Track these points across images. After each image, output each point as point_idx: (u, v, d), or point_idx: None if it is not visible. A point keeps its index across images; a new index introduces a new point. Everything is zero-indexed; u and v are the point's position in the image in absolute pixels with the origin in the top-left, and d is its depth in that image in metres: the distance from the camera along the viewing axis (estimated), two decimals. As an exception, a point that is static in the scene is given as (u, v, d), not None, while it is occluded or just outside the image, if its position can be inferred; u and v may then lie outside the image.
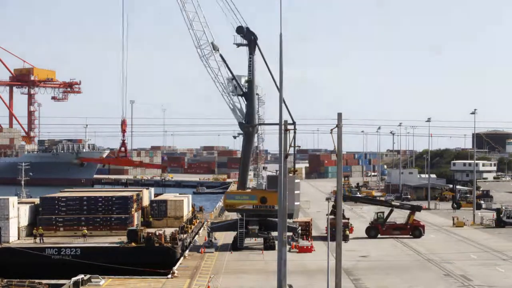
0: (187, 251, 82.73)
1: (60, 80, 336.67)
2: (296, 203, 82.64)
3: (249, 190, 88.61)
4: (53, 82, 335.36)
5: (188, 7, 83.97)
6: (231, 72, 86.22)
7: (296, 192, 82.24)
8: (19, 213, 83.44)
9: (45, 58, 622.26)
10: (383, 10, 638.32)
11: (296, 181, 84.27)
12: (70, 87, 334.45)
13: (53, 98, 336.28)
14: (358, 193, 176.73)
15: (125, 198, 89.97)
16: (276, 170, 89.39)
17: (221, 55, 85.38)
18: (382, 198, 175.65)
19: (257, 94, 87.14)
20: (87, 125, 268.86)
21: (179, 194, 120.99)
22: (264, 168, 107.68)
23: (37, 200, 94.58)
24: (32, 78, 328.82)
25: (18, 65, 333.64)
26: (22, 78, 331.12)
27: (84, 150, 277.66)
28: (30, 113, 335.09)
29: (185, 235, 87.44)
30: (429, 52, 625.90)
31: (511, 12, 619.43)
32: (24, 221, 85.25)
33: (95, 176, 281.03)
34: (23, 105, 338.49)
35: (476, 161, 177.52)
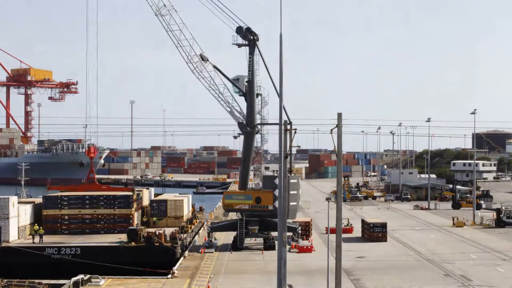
0: (187, 251, 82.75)
1: (57, 81, 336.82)
2: (292, 203, 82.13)
3: (245, 190, 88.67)
4: (50, 82, 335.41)
5: (173, 27, 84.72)
6: (227, 78, 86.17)
7: (293, 192, 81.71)
8: (19, 212, 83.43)
9: (42, 58, 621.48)
10: (384, 10, 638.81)
11: (294, 181, 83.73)
12: (67, 87, 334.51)
13: (50, 98, 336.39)
14: (358, 193, 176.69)
15: (127, 197, 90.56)
16: (275, 170, 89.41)
17: (214, 66, 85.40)
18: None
19: (260, 94, 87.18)
20: (86, 125, 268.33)
21: (179, 194, 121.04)
22: (266, 168, 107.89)
23: (37, 200, 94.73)
24: (29, 78, 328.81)
25: (15, 65, 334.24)
26: (19, 78, 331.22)
27: (84, 151, 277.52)
28: (27, 113, 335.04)
29: (185, 235, 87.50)
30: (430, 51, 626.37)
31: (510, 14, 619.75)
32: (24, 220, 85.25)
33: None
34: (20, 105, 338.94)
35: (476, 161, 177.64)
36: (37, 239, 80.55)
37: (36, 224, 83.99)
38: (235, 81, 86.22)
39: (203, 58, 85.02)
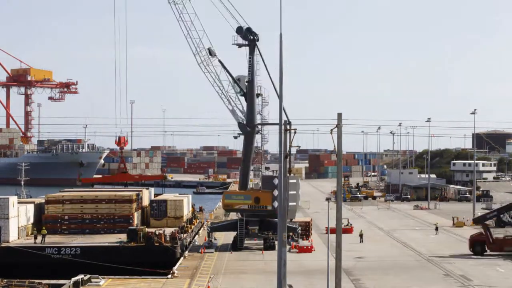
0: (187, 251, 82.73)
1: (57, 81, 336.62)
2: (291, 204, 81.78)
3: (245, 191, 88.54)
4: (50, 83, 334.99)
5: (185, 17, 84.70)
6: (231, 76, 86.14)
7: (292, 192, 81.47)
8: (19, 212, 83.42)
9: (42, 58, 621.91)
10: (383, 10, 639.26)
11: (293, 181, 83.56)
12: (67, 87, 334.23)
13: (50, 98, 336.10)
14: (358, 193, 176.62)
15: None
16: (274, 171, 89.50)
17: (219, 60, 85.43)
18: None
19: (261, 94, 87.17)
20: (86, 125, 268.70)
21: (179, 194, 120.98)
22: (267, 168, 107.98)
23: (37, 200, 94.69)
24: (29, 78, 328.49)
25: (15, 66, 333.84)
26: (19, 79, 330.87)
27: (84, 151, 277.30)
28: (27, 113, 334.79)
29: (185, 235, 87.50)
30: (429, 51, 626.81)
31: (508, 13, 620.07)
32: (24, 220, 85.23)
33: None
34: (20, 105, 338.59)
35: (476, 161, 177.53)
36: (39, 239, 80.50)
37: (43, 228, 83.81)
38: (236, 81, 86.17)
39: (211, 53, 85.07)
